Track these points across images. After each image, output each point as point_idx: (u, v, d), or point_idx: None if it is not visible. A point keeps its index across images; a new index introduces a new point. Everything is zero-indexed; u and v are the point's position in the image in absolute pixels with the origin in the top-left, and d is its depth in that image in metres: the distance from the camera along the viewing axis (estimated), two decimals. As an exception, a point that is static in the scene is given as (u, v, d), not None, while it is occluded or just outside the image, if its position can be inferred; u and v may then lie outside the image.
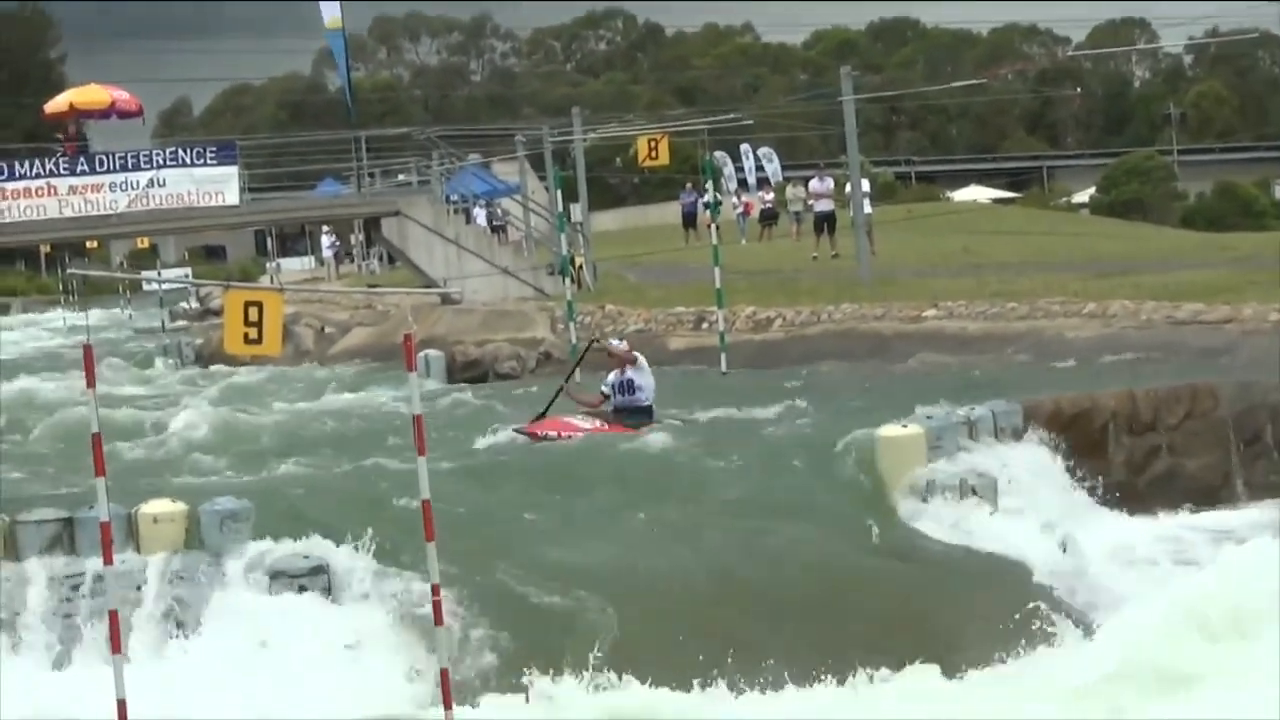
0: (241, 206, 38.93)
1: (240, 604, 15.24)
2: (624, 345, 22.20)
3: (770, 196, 58.95)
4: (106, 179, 37.49)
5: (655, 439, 19.87)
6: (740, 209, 59.38)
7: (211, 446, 24.63)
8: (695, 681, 14.24)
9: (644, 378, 21.69)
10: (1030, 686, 13.95)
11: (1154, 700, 12.90)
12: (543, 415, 21.92)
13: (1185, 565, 16.30)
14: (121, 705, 12.03)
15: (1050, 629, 15.07)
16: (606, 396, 21.77)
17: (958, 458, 17.75)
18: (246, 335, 12.36)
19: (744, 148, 65.82)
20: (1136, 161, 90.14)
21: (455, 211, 44.15)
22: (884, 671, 14.30)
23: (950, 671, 14.33)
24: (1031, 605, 15.55)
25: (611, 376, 21.87)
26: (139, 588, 15.21)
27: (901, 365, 24.77)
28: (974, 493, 17.31)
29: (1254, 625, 13.65)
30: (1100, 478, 18.19)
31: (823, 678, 14.19)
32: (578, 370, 24.59)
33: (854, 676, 14.15)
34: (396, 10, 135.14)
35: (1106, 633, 14.69)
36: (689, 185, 55.81)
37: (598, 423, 21.54)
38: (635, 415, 21.47)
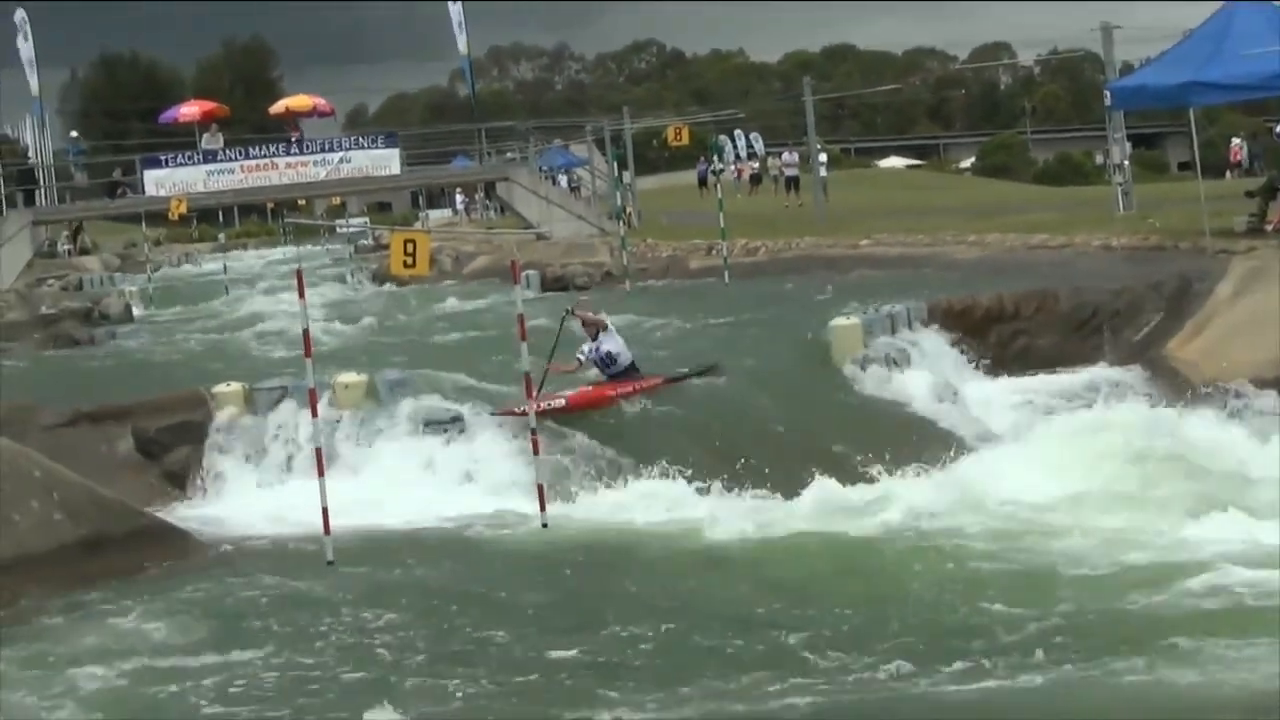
0: (402, 175, 38.91)
1: (404, 441, 15.31)
2: (590, 313, 16.51)
3: (756, 165, 58.80)
4: (310, 158, 37.48)
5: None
6: (736, 174, 59.10)
7: (383, 335, 24.63)
8: (719, 481, 14.35)
9: (616, 343, 16.19)
10: (930, 479, 14.30)
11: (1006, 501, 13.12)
12: (538, 391, 15.00)
13: (1035, 409, 16.32)
14: (324, 511, 12.11)
15: (943, 448, 15.19)
16: (581, 363, 16.12)
17: (883, 340, 17.68)
18: (405, 262, 12.34)
19: (738, 132, 65.41)
20: (1003, 139, 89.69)
21: (545, 177, 43.85)
22: (837, 470, 14.47)
23: (888, 470, 14.57)
24: (932, 435, 15.81)
25: (587, 347, 16.15)
26: (335, 433, 15.28)
27: (845, 277, 24.53)
28: (894, 364, 17.26)
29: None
30: (978, 353, 18.10)
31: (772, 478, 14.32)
32: (555, 351, 16.12)
33: (818, 477, 14.22)
34: (505, 41, 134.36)
35: (981, 455, 14.95)
36: (702, 158, 55.36)
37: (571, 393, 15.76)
38: (623, 375, 16.11)
